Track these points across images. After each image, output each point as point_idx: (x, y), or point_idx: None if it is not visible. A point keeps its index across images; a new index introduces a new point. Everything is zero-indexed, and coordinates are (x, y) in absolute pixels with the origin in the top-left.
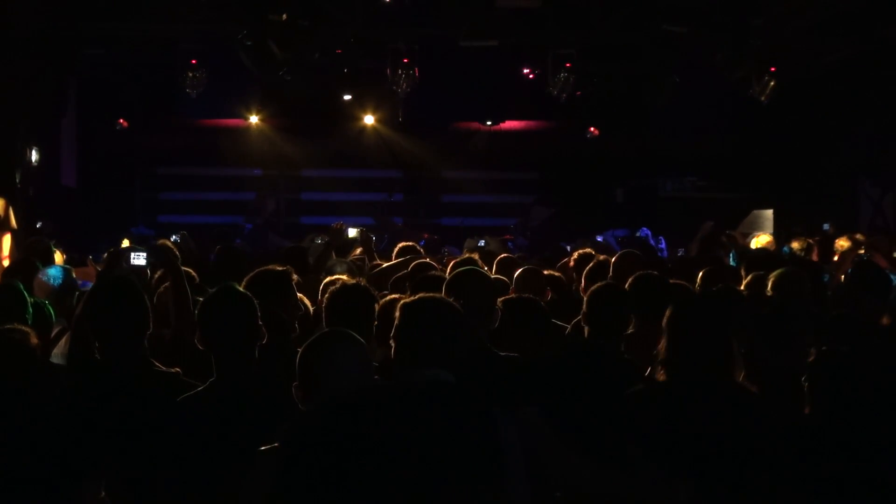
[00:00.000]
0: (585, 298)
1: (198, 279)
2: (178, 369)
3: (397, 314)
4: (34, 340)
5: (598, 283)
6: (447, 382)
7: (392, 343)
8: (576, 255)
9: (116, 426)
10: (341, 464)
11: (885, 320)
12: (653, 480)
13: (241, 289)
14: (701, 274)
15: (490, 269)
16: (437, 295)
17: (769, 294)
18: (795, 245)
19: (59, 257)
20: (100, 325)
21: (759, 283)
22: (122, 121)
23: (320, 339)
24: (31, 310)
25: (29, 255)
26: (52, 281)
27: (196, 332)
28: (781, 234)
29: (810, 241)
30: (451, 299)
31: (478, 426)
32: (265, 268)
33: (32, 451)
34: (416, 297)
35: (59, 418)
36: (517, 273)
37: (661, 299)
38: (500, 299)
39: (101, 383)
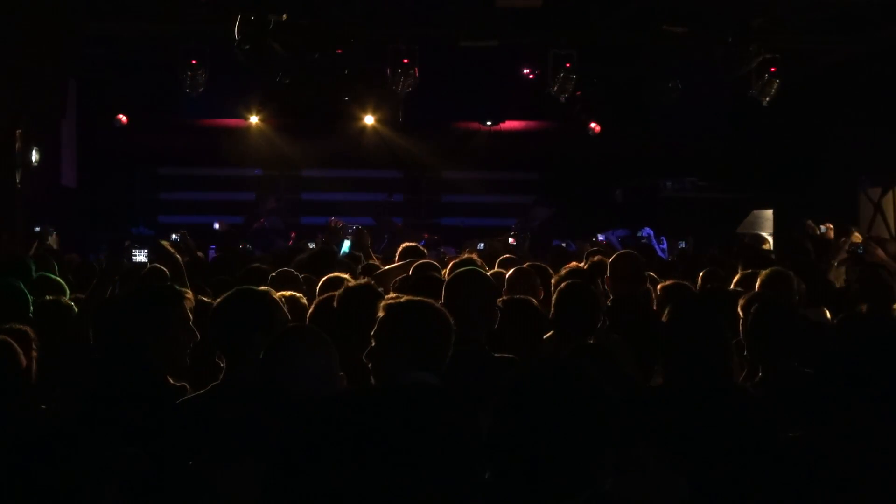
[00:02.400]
0: (554, 299)
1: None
2: (185, 384)
3: (380, 314)
4: (33, 340)
5: (565, 283)
6: (432, 385)
7: (372, 342)
8: (586, 266)
9: (120, 430)
10: (329, 466)
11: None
12: (652, 481)
13: (263, 290)
14: (701, 274)
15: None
16: (424, 299)
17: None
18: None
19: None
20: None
21: (749, 282)
22: (120, 116)
23: (283, 338)
24: (32, 308)
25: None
26: None
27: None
28: (781, 234)
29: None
30: (440, 302)
31: (463, 429)
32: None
33: (29, 453)
34: (404, 299)
35: (57, 420)
36: (508, 273)
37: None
38: (499, 300)
39: (114, 388)
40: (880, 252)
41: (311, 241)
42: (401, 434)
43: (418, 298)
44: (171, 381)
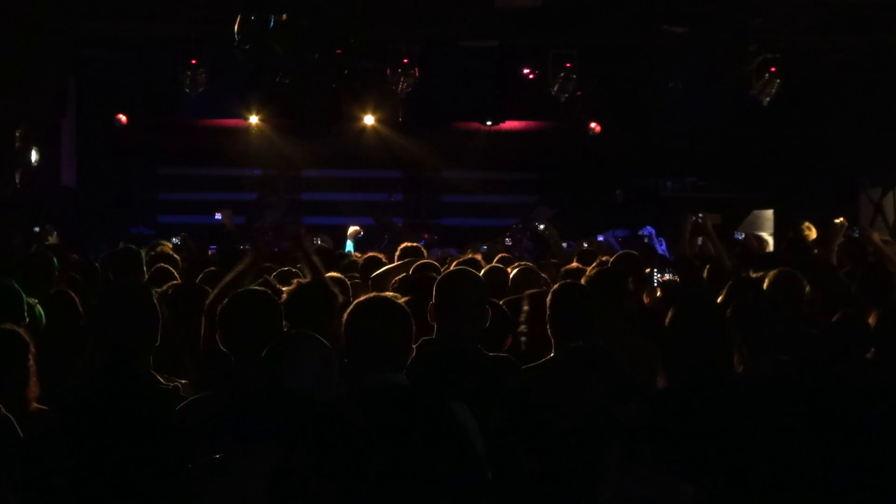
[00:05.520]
0: (549, 300)
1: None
2: (178, 384)
3: (344, 317)
4: (28, 340)
5: (559, 283)
6: (400, 385)
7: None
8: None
9: (114, 432)
10: (318, 472)
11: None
12: (654, 479)
13: (268, 293)
14: (706, 268)
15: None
16: (383, 295)
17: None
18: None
19: None
20: (110, 331)
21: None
22: (120, 116)
23: (283, 340)
24: (27, 309)
25: None
26: None
27: (217, 333)
28: (781, 235)
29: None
30: (433, 301)
31: (438, 424)
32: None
33: (27, 454)
34: (362, 299)
35: (54, 422)
36: (513, 273)
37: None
38: (502, 300)
39: (101, 389)
40: (876, 236)
41: (318, 238)
42: (381, 438)
43: (376, 296)
44: (163, 380)
